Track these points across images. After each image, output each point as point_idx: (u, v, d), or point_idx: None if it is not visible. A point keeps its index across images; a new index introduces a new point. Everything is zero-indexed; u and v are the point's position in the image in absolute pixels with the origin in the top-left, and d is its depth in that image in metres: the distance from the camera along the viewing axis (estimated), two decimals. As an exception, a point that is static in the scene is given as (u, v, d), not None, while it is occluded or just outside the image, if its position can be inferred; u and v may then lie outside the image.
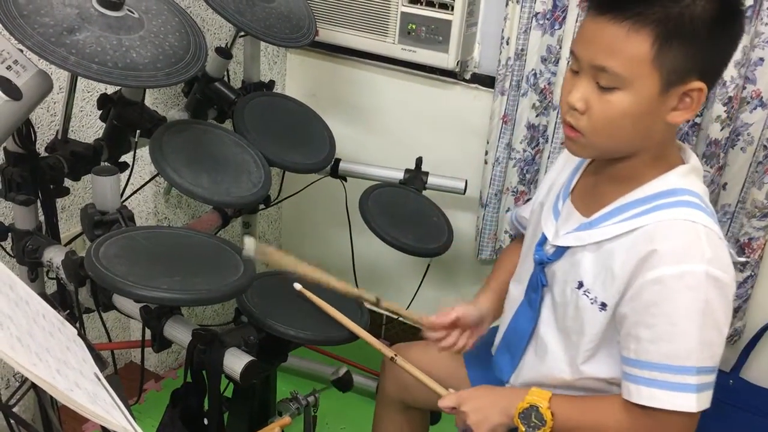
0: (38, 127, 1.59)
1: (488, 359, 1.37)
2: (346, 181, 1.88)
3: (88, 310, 1.37)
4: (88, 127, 1.78)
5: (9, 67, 1.17)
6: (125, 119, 1.49)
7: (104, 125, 1.52)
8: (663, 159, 1.06)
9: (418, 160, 1.83)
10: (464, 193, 1.84)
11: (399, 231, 1.61)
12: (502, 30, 1.74)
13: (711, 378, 1.01)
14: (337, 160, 1.82)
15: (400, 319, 2.24)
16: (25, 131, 1.32)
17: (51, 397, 0.89)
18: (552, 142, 1.75)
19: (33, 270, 1.43)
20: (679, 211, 1.01)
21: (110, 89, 1.56)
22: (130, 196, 1.76)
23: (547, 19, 1.67)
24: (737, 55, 1.39)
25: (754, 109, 1.53)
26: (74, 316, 1.34)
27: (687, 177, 1.06)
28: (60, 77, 1.55)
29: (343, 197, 1.91)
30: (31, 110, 1.23)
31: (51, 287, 1.49)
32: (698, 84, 0.97)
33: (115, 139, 1.51)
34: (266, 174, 1.48)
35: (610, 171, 1.09)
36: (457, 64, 1.85)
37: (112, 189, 1.28)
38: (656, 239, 1.00)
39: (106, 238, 1.17)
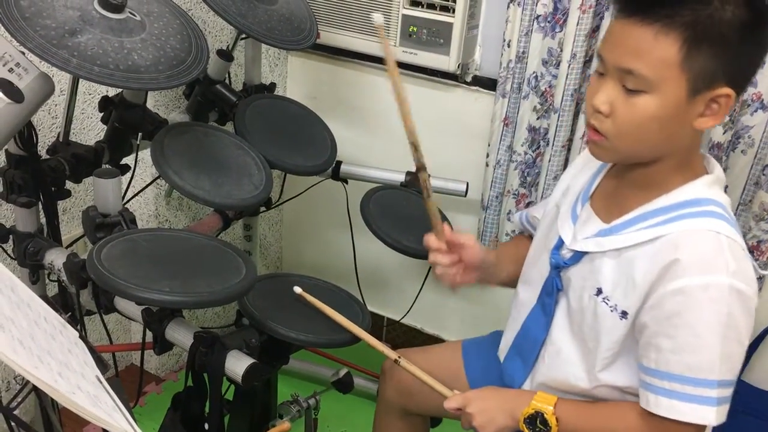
0: (40, 130, 1.59)
1: (488, 364, 1.37)
2: (347, 183, 1.88)
3: (89, 313, 1.37)
4: (90, 130, 1.78)
5: (11, 70, 1.17)
6: (127, 122, 1.49)
7: (106, 128, 1.52)
8: (688, 166, 1.05)
9: (420, 163, 1.82)
10: (465, 196, 1.84)
11: (400, 233, 1.61)
12: (504, 33, 1.74)
13: (729, 391, 1.00)
14: (339, 163, 1.82)
15: (402, 321, 2.24)
16: (26, 133, 1.32)
17: (52, 400, 0.89)
18: (553, 144, 1.75)
19: (34, 272, 1.43)
20: (705, 221, 1.00)
21: (112, 92, 1.56)
22: (131, 198, 1.76)
23: (548, 21, 1.68)
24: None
25: (755, 111, 1.53)
26: (76, 319, 1.34)
27: (712, 187, 1.05)
28: (61, 80, 1.55)
29: (344, 199, 1.90)
30: (33, 113, 1.23)
31: (52, 290, 1.49)
32: (726, 90, 0.96)
33: (116, 142, 1.51)
34: (267, 176, 1.48)
35: (633, 176, 1.08)
36: (458, 67, 1.85)
37: (114, 191, 1.28)
38: (680, 248, 0.98)
39: (107, 241, 1.17)
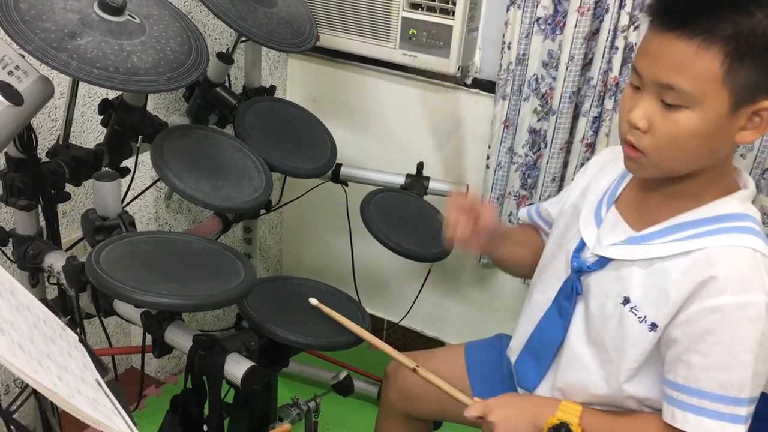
0: (39, 133, 1.59)
1: (491, 367, 1.37)
2: (347, 186, 1.88)
3: (89, 316, 1.37)
4: (90, 133, 1.78)
5: (10, 73, 1.17)
6: (126, 124, 1.49)
7: (105, 130, 1.52)
8: (722, 180, 1.03)
9: (419, 165, 1.83)
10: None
11: (400, 236, 1.61)
12: (503, 35, 1.74)
13: (753, 407, 0.99)
14: (338, 165, 1.82)
15: (401, 323, 2.24)
16: (26, 136, 1.31)
17: (51, 403, 0.89)
18: (551, 147, 1.75)
19: (34, 275, 1.42)
20: (741, 237, 0.98)
21: (111, 94, 1.56)
22: (131, 201, 1.76)
23: (548, 24, 1.68)
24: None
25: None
26: (75, 322, 1.34)
27: (746, 203, 1.03)
28: (61, 82, 1.55)
29: (344, 202, 1.90)
30: (33, 115, 1.23)
31: (52, 293, 1.49)
32: None
33: (116, 145, 1.50)
34: (267, 179, 1.48)
35: (666, 188, 1.04)
36: (458, 69, 1.85)
37: (113, 194, 1.28)
38: (717, 265, 0.97)
39: (106, 244, 1.17)
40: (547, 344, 1.19)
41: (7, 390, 1.78)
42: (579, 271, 1.13)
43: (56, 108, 1.66)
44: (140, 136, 1.50)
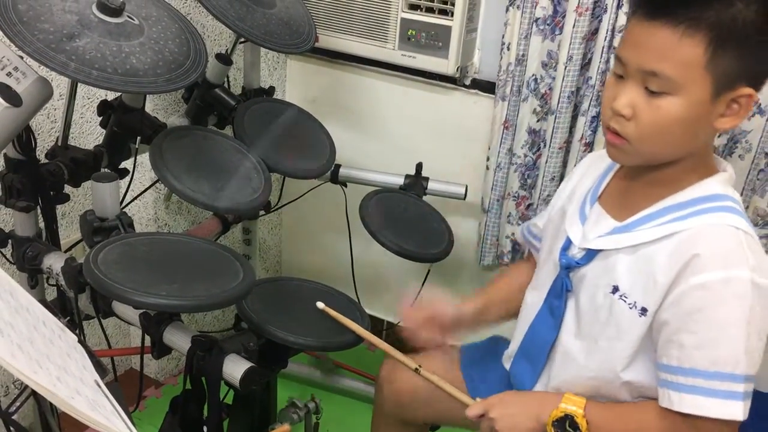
0: (38, 134, 1.59)
1: (487, 368, 1.37)
2: (346, 186, 1.88)
3: (88, 317, 1.37)
4: (89, 134, 1.78)
5: (9, 74, 1.17)
6: (125, 125, 1.49)
7: (104, 132, 1.52)
8: (703, 165, 1.05)
9: (419, 166, 1.83)
10: (464, 199, 1.84)
11: (399, 237, 1.61)
12: (503, 36, 1.74)
13: (752, 387, 0.99)
14: (338, 166, 1.82)
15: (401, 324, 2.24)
16: (25, 138, 1.31)
17: (51, 405, 0.89)
18: (550, 146, 1.75)
19: (33, 277, 1.42)
20: (722, 216, 1.00)
21: (110, 95, 1.56)
22: (130, 202, 1.76)
23: (548, 24, 1.68)
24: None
25: (753, 116, 1.53)
26: (74, 323, 1.34)
27: (726, 185, 1.05)
28: (60, 84, 1.55)
29: (343, 203, 1.90)
30: (31, 117, 1.23)
31: (51, 294, 1.49)
32: (747, 90, 0.96)
33: (115, 146, 1.50)
34: (266, 180, 1.48)
35: (647, 176, 1.07)
36: (457, 70, 1.85)
37: (112, 195, 1.28)
38: (699, 243, 0.98)
39: (105, 245, 1.17)
40: (540, 344, 1.21)
41: (6, 391, 1.78)
42: (567, 268, 1.15)
43: (55, 109, 1.66)
44: (139, 138, 1.50)
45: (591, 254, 1.11)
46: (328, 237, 2.34)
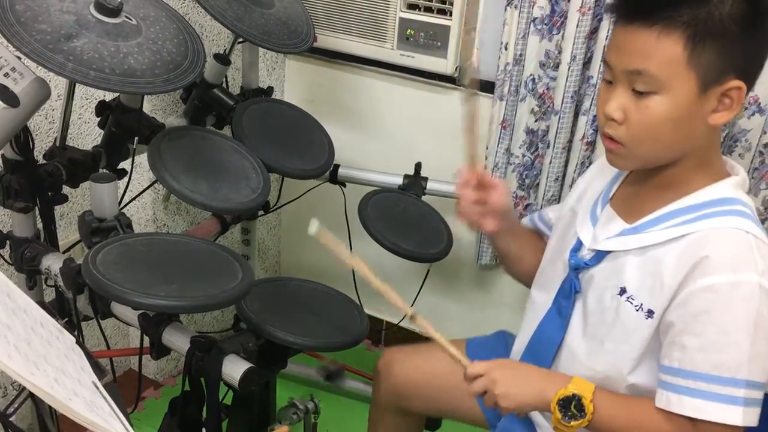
0: (36, 135, 1.58)
1: None
2: (345, 186, 1.88)
3: (86, 318, 1.37)
4: (87, 134, 1.77)
5: (6, 75, 1.17)
6: (123, 126, 1.49)
7: (102, 132, 1.52)
8: (709, 166, 1.05)
9: (417, 166, 1.83)
10: (463, 199, 1.83)
11: (398, 236, 1.61)
12: (501, 35, 1.74)
13: (759, 394, 0.98)
14: (336, 166, 1.82)
15: (400, 324, 2.24)
16: (23, 138, 1.31)
17: (49, 406, 0.89)
18: (554, 146, 1.75)
19: (31, 278, 1.42)
20: (733, 219, 1.00)
21: (108, 96, 1.56)
22: (128, 203, 1.76)
23: (545, 24, 1.67)
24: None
25: (752, 115, 1.53)
26: (73, 324, 1.34)
27: (737, 189, 1.05)
28: (58, 84, 1.55)
29: (342, 203, 1.90)
30: (29, 117, 1.23)
31: (50, 295, 1.49)
32: (736, 83, 0.96)
33: (113, 146, 1.50)
34: (265, 180, 1.47)
35: (655, 179, 1.07)
36: (456, 70, 1.85)
37: (110, 196, 1.28)
38: (709, 245, 0.98)
39: (103, 246, 1.17)
40: (547, 344, 1.20)
41: (4, 393, 1.78)
42: (576, 269, 1.14)
43: (53, 110, 1.66)
44: (137, 138, 1.50)
45: (600, 255, 1.11)
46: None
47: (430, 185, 1.82)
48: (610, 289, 1.09)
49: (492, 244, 1.31)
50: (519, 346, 1.29)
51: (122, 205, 1.60)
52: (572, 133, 1.74)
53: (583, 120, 1.70)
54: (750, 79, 0.98)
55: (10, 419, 0.79)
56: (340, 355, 1.89)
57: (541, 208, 1.83)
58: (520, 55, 1.72)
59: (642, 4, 0.97)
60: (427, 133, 2.03)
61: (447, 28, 1.80)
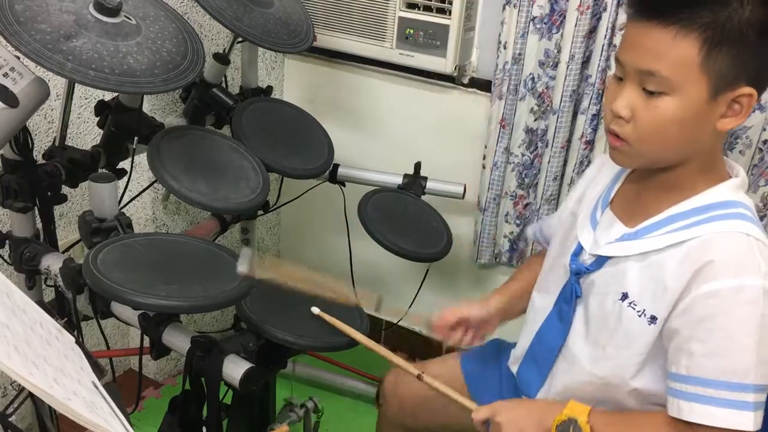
0: (35, 134, 1.58)
1: (489, 374, 1.36)
2: (344, 186, 1.88)
3: (86, 318, 1.37)
4: (86, 134, 1.77)
5: (5, 74, 1.17)
6: (123, 126, 1.48)
7: (102, 132, 1.52)
8: (711, 169, 1.04)
9: (417, 165, 1.82)
10: (463, 198, 1.83)
11: (398, 236, 1.61)
12: (500, 34, 1.74)
13: (764, 397, 0.98)
14: (336, 166, 1.82)
15: (400, 323, 2.24)
16: (22, 138, 1.31)
17: (48, 406, 0.89)
18: (552, 146, 1.75)
19: (31, 277, 1.42)
20: (734, 223, 0.99)
21: (108, 96, 1.56)
22: (128, 203, 1.76)
23: (545, 23, 1.67)
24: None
25: (752, 112, 1.53)
26: (72, 324, 1.34)
27: (738, 191, 1.04)
28: (57, 84, 1.55)
29: (341, 202, 1.90)
30: (28, 117, 1.23)
31: (49, 295, 1.48)
32: (748, 90, 0.95)
33: (112, 146, 1.50)
34: (264, 180, 1.47)
35: (656, 180, 1.06)
36: (455, 69, 1.85)
37: (110, 196, 1.28)
38: (711, 250, 0.97)
39: (103, 246, 1.17)
40: (548, 348, 1.20)
41: (4, 393, 1.78)
42: (578, 274, 1.14)
43: (52, 110, 1.66)
44: (137, 138, 1.50)
45: (601, 261, 1.10)
46: (326, 237, 2.34)
47: (430, 185, 1.82)
48: (611, 294, 1.08)
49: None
50: (520, 350, 1.29)
51: (122, 205, 1.60)
52: (571, 132, 1.74)
53: (581, 119, 1.70)
54: (761, 87, 0.97)
55: (10, 419, 0.79)
56: (341, 354, 1.89)
57: (540, 207, 1.83)
58: (519, 54, 1.72)
59: (662, 2, 0.94)
60: (426, 132, 2.03)
61: (446, 28, 1.80)
